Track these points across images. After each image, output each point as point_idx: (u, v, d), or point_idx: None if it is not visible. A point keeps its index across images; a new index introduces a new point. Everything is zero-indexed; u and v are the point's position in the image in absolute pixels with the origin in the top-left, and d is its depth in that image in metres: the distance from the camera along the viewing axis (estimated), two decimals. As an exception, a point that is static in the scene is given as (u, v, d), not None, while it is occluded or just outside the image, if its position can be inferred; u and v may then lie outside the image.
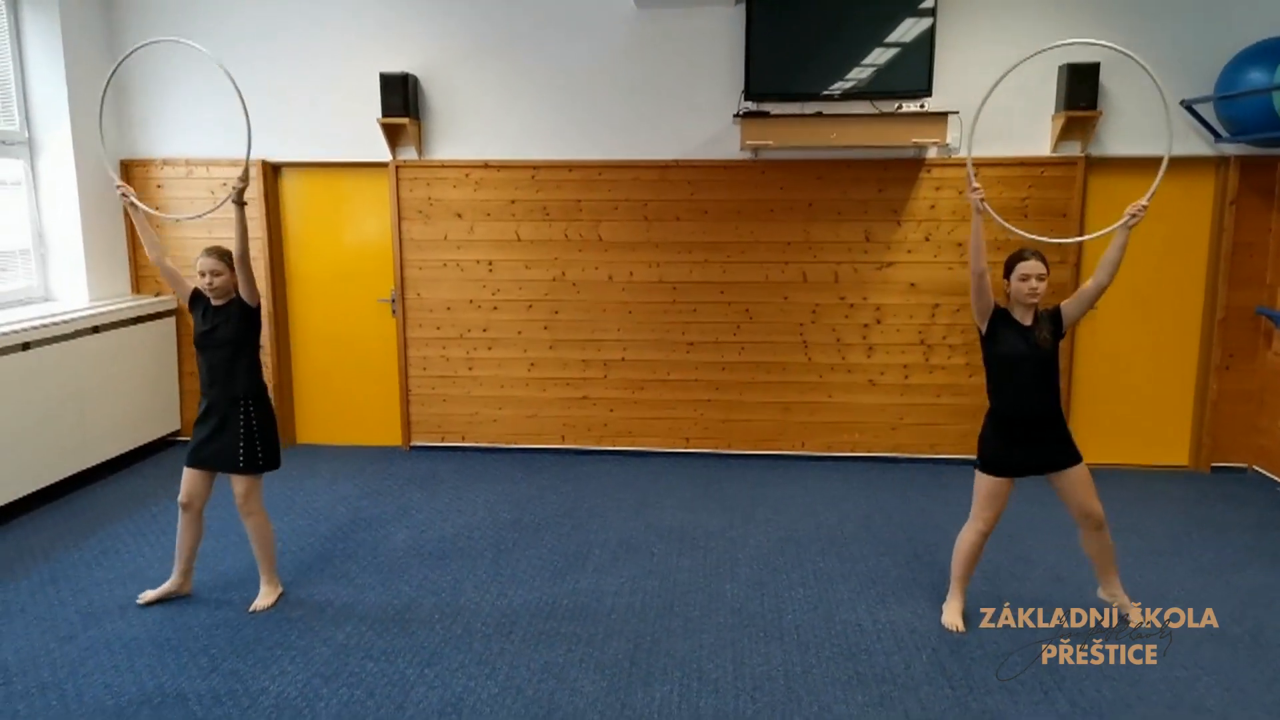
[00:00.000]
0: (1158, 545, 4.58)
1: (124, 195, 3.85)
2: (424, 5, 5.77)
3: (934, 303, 5.74)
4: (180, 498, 3.83)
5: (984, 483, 3.60)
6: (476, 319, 6.04)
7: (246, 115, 3.89)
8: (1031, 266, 3.44)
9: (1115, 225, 3.43)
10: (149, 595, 3.92)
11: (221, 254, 3.74)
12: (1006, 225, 3.72)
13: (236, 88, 3.91)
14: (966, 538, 3.69)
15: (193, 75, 5.92)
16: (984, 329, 3.56)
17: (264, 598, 3.90)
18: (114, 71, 4.21)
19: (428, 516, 4.96)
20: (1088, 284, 3.49)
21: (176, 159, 6.02)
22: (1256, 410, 5.67)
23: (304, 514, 4.98)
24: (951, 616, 3.73)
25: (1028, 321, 3.51)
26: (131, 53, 4.26)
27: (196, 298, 3.80)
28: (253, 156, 5.89)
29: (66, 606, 3.87)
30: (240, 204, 3.71)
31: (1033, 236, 3.72)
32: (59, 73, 5.55)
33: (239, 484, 3.81)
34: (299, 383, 6.33)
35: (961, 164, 5.59)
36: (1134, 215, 3.39)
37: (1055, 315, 3.54)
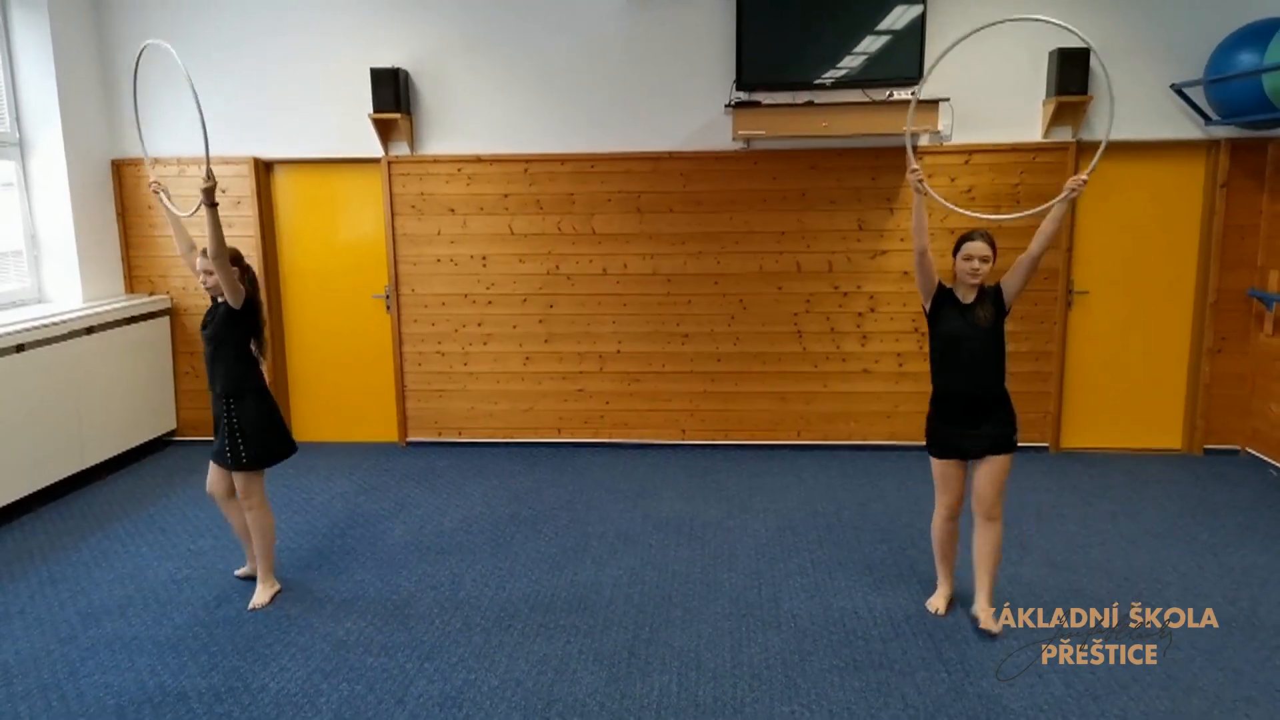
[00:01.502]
0: (1152, 528, 4.60)
1: (157, 191, 3.88)
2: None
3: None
4: (207, 488, 4.02)
5: (935, 467, 3.65)
6: (471, 314, 6.04)
7: (202, 116, 3.83)
8: (976, 248, 3.45)
9: (1056, 200, 3.45)
10: (243, 570, 4.16)
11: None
12: (947, 204, 3.73)
13: (195, 94, 3.89)
14: (935, 524, 3.74)
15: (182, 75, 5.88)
16: (928, 307, 3.58)
17: (260, 595, 3.91)
18: (136, 72, 4.16)
19: (425, 511, 4.97)
20: (1022, 256, 3.49)
21: (168, 158, 6.00)
22: (1249, 393, 5.70)
23: (302, 511, 4.99)
24: (935, 601, 3.77)
25: (969, 300, 3.52)
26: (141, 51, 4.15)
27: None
28: (244, 154, 5.95)
29: (66, 607, 3.87)
30: (211, 205, 3.61)
31: (973, 214, 3.84)
32: (49, 73, 5.54)
33: (235, 480, 3.87)
34: (294, 380, 6.33)
35: (953, 151, 5.61)
36: (1073, 190, 3.43)
37: (996, 292, 3.53)
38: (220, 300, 3.79)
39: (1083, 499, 5.04)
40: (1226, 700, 3.10)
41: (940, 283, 3.56)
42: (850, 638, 3.54)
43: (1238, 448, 5.79)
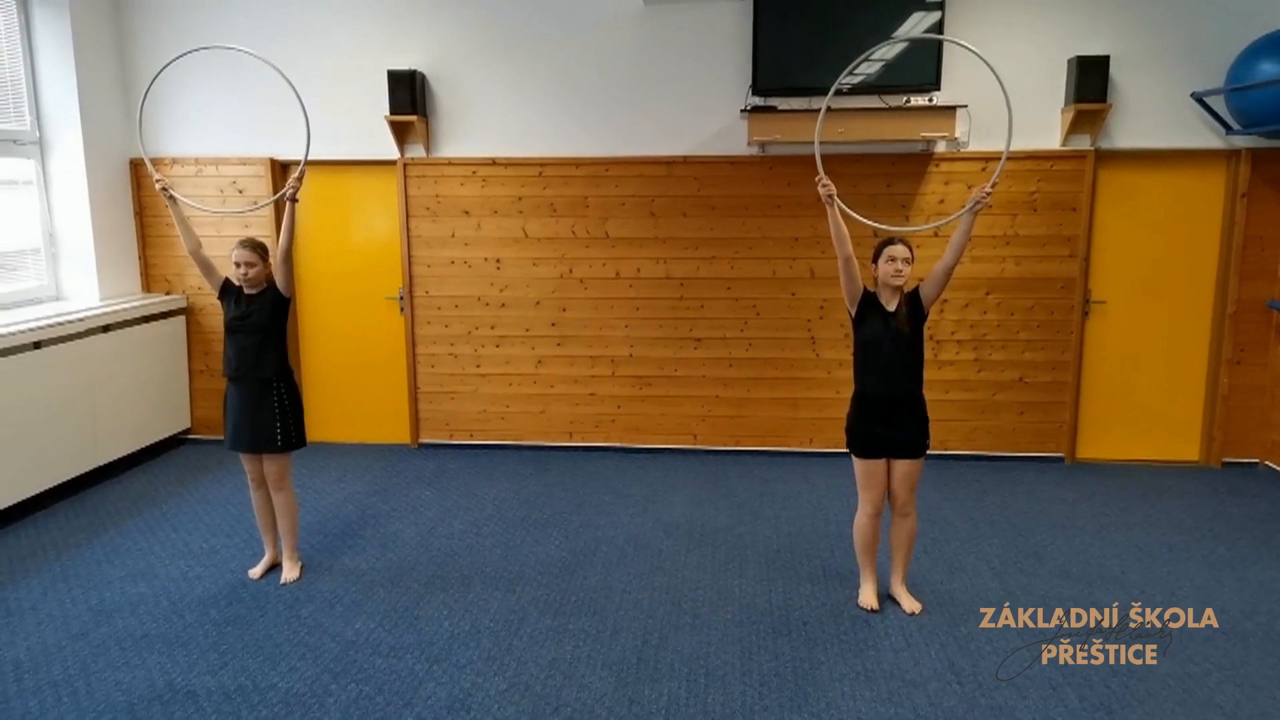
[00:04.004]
0: (1169, 540, 4.55)
1: (164, 190, 3.97)
2: (432, 2, 5.77)
3: (942, 298, 5.70)
4: (250, 479, 4.11)
5: (859, 465, 3.73)
6: (484, 316, 6.05)
7: (306, 117, 4.08)
8: (897, 250, 3.59)
9: (961, 211, 3.57)
10: (256, 571, 4.16)
11: (256, 246, 3.94)
12: (858, 217, 3.75)
13: (294, 88, 4.10)
14: (859, 521, 3.82)
15: (202, 75, 5.93)
16: (854, 312, 3.68)
17: (292, 570, 4.12)
18: (158, 75, 4.20)
19: (436, 513, 4.97)
20: (937, 265, 3.61)
21: (186, 158, 6.04)
22: (1268, 405, 5.63)
23: (313, 511, 5.00)
24: (866, 598, 3.83)
25: (891, 306, 3.64)
26: (179, 57, 4.24)
27: (227, 287, 4.00)
28: (261, 154, 5.98)
29: (78, 604, 3.89)
30: (294, 201, 3.93)
31: (887, 227, 3.88)
32: (69, 73, 5.58)
33: (275, 463, 4.03)
34: (308, 380, 6.35)
35: (970, 158, 5.58)
36: (978, 201, 3.50)
37: (914, 297, 3.65)
38: (257, 291, 3.94)
39: (1098, 510, 4.99)
40: (1244, 715, 3.06)
41: (865, 288, 3.69)
42: (862, 647, 3.51)
43: (1256, 460, 5.73)
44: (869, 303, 3.67)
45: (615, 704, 3.13)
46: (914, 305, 3.65)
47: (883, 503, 3.76)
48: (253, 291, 3.95)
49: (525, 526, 4.77)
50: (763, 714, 3.07)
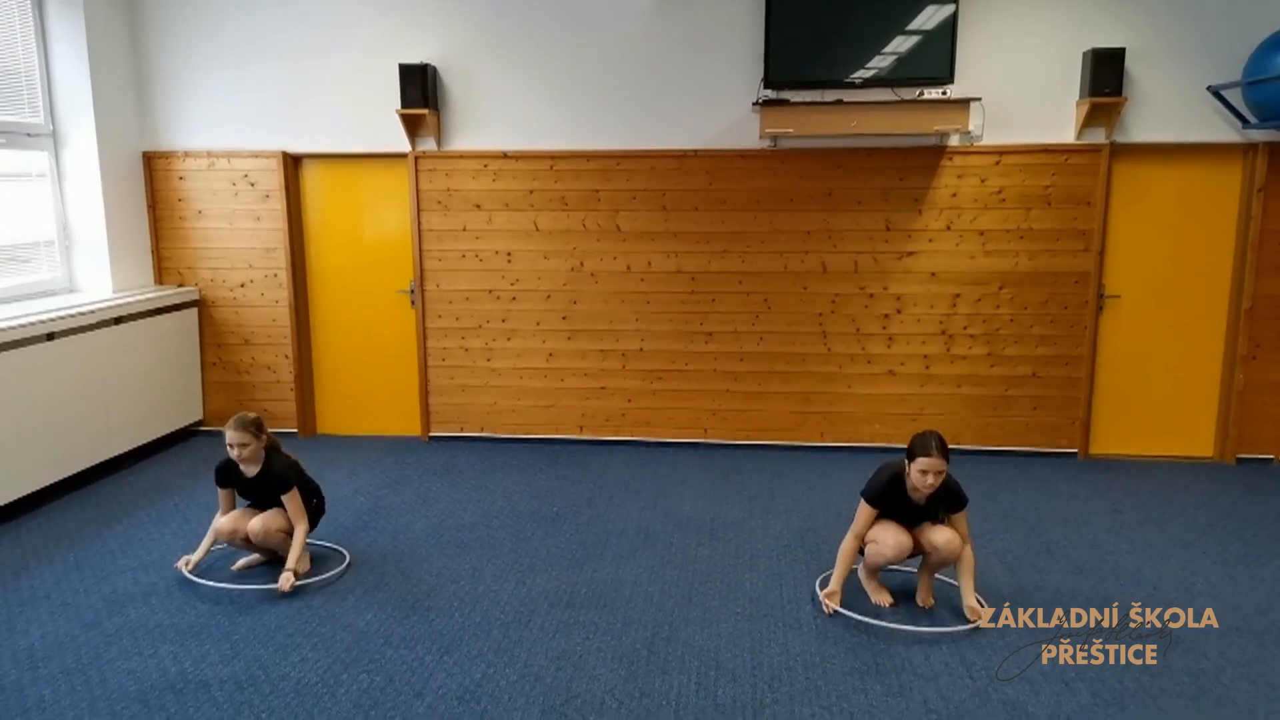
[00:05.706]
0: (1183, 537, 4.52)
1: (182, 568, 4.03)
2: (442, -5, 5.78)
3: (955, 292, 5.69)
4: (221, 514, 4.08)
5: (878, 529, 3.71)
6: (495, 309, 6.05)
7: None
8: (932, 463, 3.47)
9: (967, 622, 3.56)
10: (241, 563, 4.16)
11: (247, 425, 3.90)
12: (857, 617, 3.66)
13: None
14: (870, 552, 3.78)
15: (215, 68, 5.95)
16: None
17: (301, 562, 4.08)
18: None
19: (447, 506, 4.98)
20: (957, 542, 3.60)
21: (198, 151, 6.06)
22: (1284, 401, 5.59)
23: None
24: (878, 597, 3.82)
25: (920, 502, 3.62)
26: None
27: (222, 472, 4.03)
28: (273, 147, 5.99)
29: (91, 594, 3.91)
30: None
31: (885, 624, 3.62)
32: (83, 65, 5.60)
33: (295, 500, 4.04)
34: (319, 373, 6.36)
35: (984, 152, 5.54)
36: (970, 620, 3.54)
37: (949, 505, 3.63)
38: (258, 472, 3.98)
39: (1111, 506, 4.96)
40: (1260, 713, 3.04)
41: (873, 495, 3.66)
42: (872, 640, 3.50)
43: (1271, 456, 5.68)
44: (892, 490, 3.63)
45: (625, 696, 3.13)
46: (949, 507, 3.63)
47: (905, 553, 3.68)
48: (252, 473, 3.99)
49: (536, 519, 4.78)
50: (773, 707, 3.07)
